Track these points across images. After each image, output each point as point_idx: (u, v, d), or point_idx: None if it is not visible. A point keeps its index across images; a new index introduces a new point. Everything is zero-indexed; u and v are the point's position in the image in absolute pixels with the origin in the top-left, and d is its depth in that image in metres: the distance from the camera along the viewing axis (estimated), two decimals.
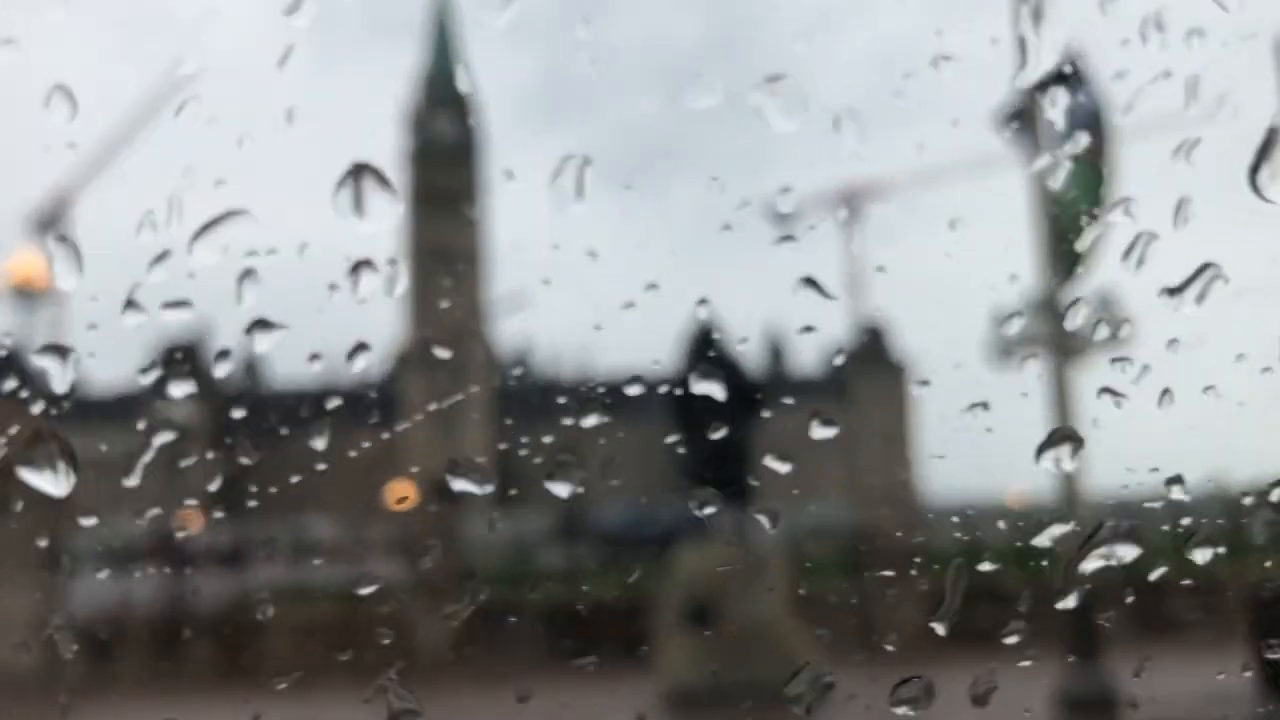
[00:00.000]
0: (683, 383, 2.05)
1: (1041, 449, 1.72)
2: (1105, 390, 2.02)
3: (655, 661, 8.61)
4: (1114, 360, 2.16)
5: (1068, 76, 2.49)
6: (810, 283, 1.99)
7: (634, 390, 2.35)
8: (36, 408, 2.15)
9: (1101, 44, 2.08)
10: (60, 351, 1.89)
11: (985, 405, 2.15)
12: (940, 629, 1.56)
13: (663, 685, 7.01)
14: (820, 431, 2.06)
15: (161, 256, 1.82)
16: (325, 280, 2.11)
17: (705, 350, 2.49)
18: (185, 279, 1.89)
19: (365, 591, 2.30)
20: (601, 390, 2.43)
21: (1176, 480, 1.92)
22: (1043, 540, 1.74)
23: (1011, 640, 1.77)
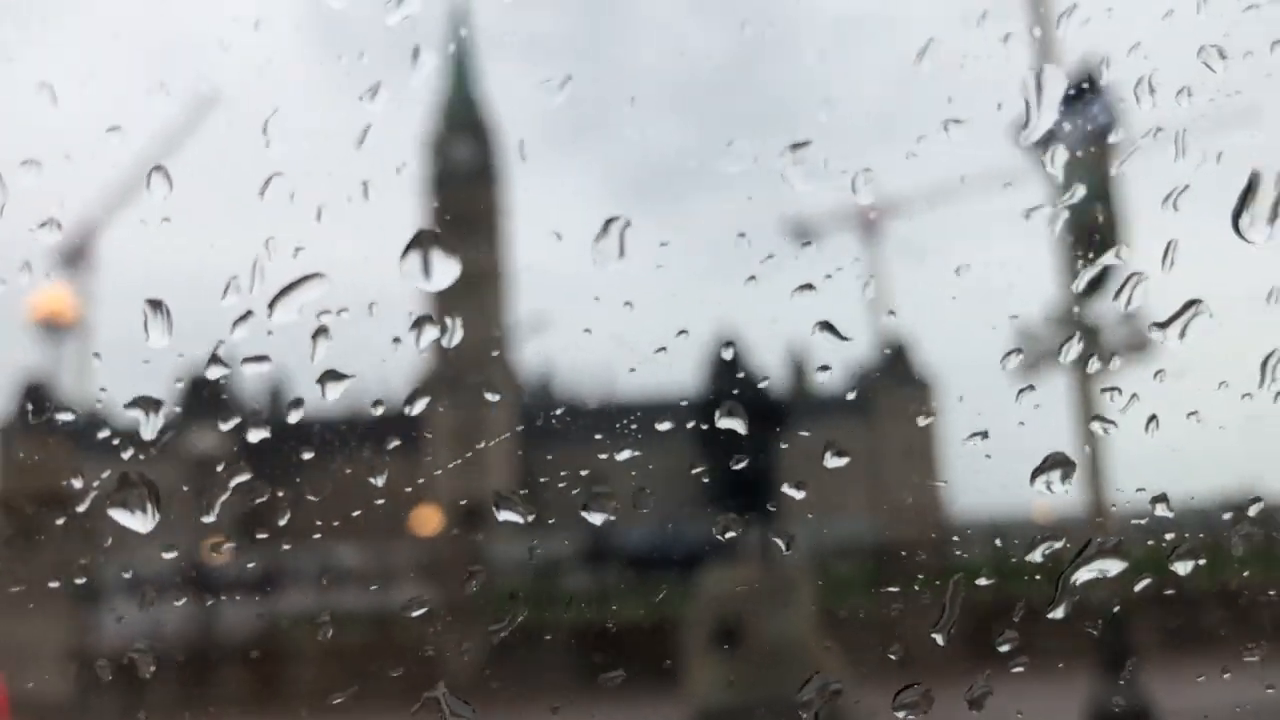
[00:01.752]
0: (708, 410, 2.11)
1: (1035, 473, 1.78)
2: (1099, 417, 2.08)
3: (683, 682, 8.61)
4: (1108, 389, 2.22)
5: (1083, 90, 2.54)
6: (827, 326, 2.09)
7: (662, 419, 2.42)
8: (64, 443, 2.23)
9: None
10: (151, 404, 2.04)
11: (986, 434, 2.21)
12: (939, 639, 1.61)
13: (691, 706, 7.01)
14: (834, 461, 2.13)
15: (244, 316, 1.98)
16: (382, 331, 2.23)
17: (729, 378, 2.55)
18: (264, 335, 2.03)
19: (400, 614, 2.38)
20: (629, 418, 2.50)
21: (1161, 499, 1.98)
22: (1034, 556, 1.80)
23: (1005, 649, 1.81)
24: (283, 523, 2.58)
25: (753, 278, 2.39)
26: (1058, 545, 1.85)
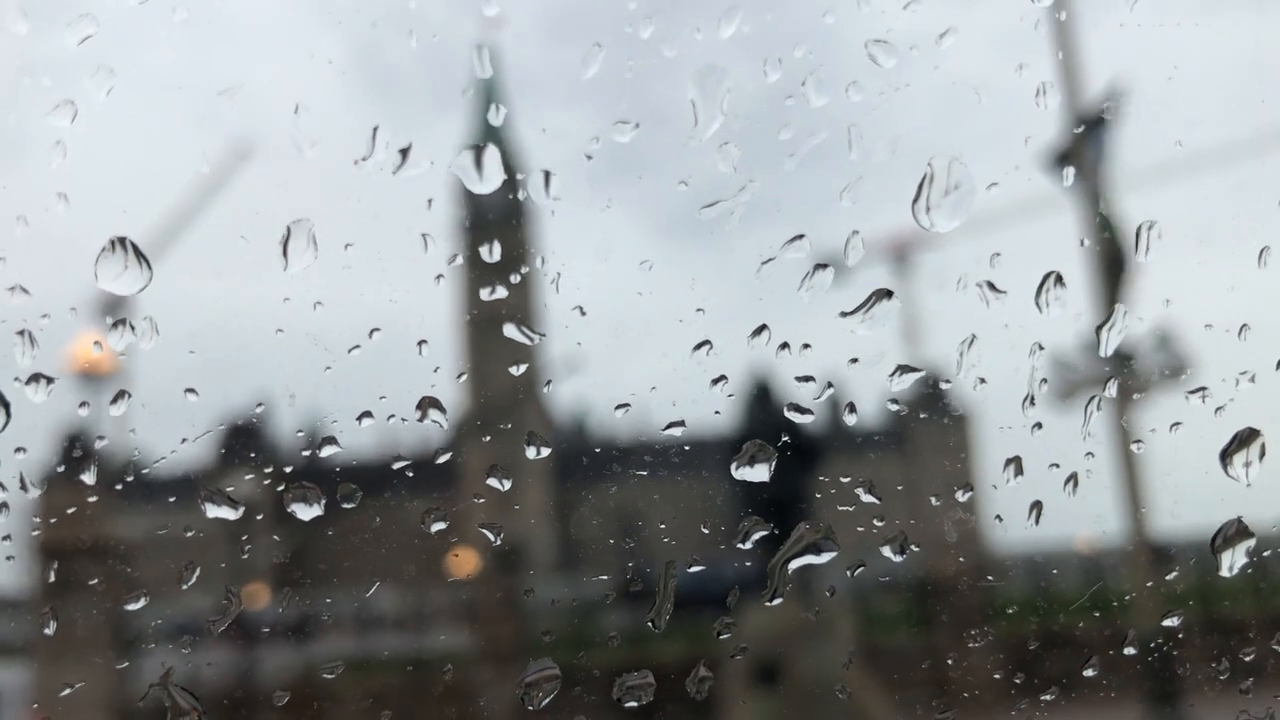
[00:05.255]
0: (743, 443, 2.09)
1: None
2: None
3: None
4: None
5: (1107, 118, 2.53)
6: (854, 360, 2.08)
7: (698, 457, 2.40)
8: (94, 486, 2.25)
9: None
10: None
11: (1021, 468, 2.18)
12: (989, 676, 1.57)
13: None
14: (867, 498, 2.10)
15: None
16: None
17: (764, 409, 2.53)
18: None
19: (434, 658, 2.36)
20: (665, 456, 2.48)
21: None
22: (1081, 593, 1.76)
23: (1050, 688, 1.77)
24: (278, 562, 2.59)
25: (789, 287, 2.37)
26: (1100, 584, 1.81)
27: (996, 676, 2.31)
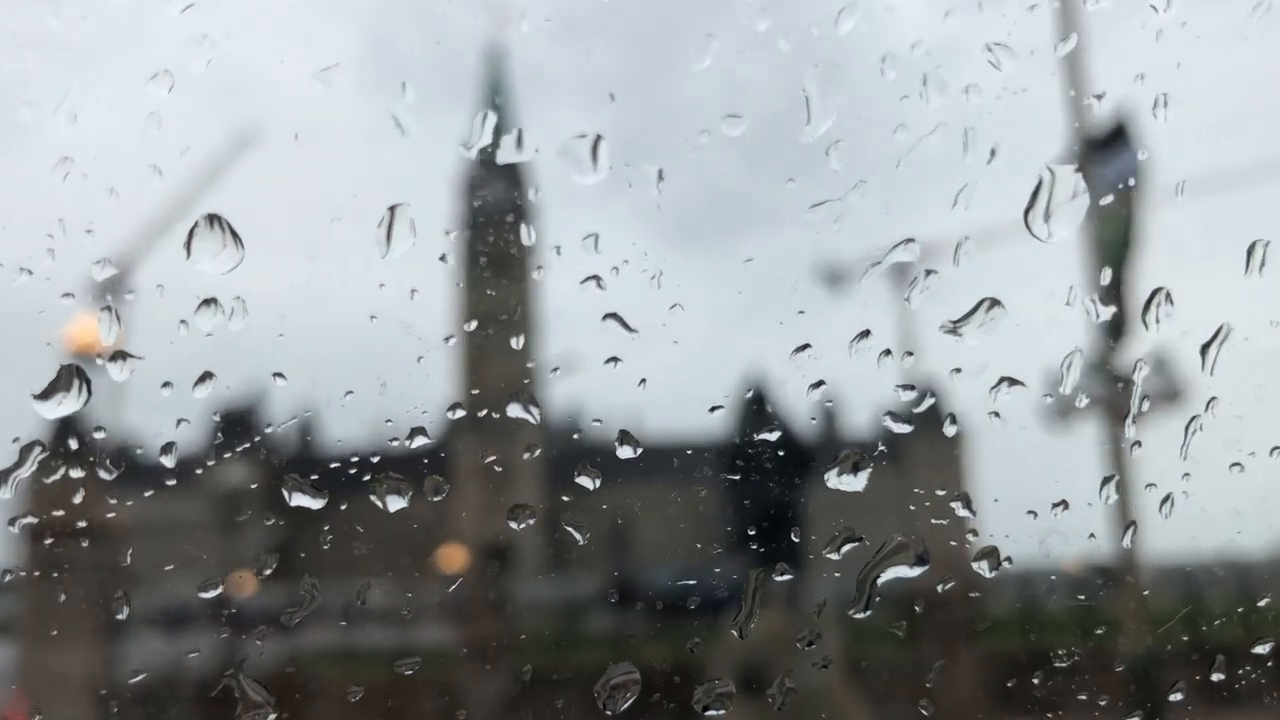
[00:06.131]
0: (736, 447, 2.07)
1: None
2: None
3: None
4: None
5: (1113, 137, 2.52)
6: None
7: (691, 462, 2.38)
8: (99, 475, 2.23)
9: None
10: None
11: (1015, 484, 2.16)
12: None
13: None
14: (851, 481, 2.07)
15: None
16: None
17: (758, 416, 2.51)
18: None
19: (417, 657, 2.34)
20: (658, 460, 2.47)
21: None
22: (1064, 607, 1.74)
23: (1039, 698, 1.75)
24: (305, 557, 2.57)
25: (781, 323, 2.36)
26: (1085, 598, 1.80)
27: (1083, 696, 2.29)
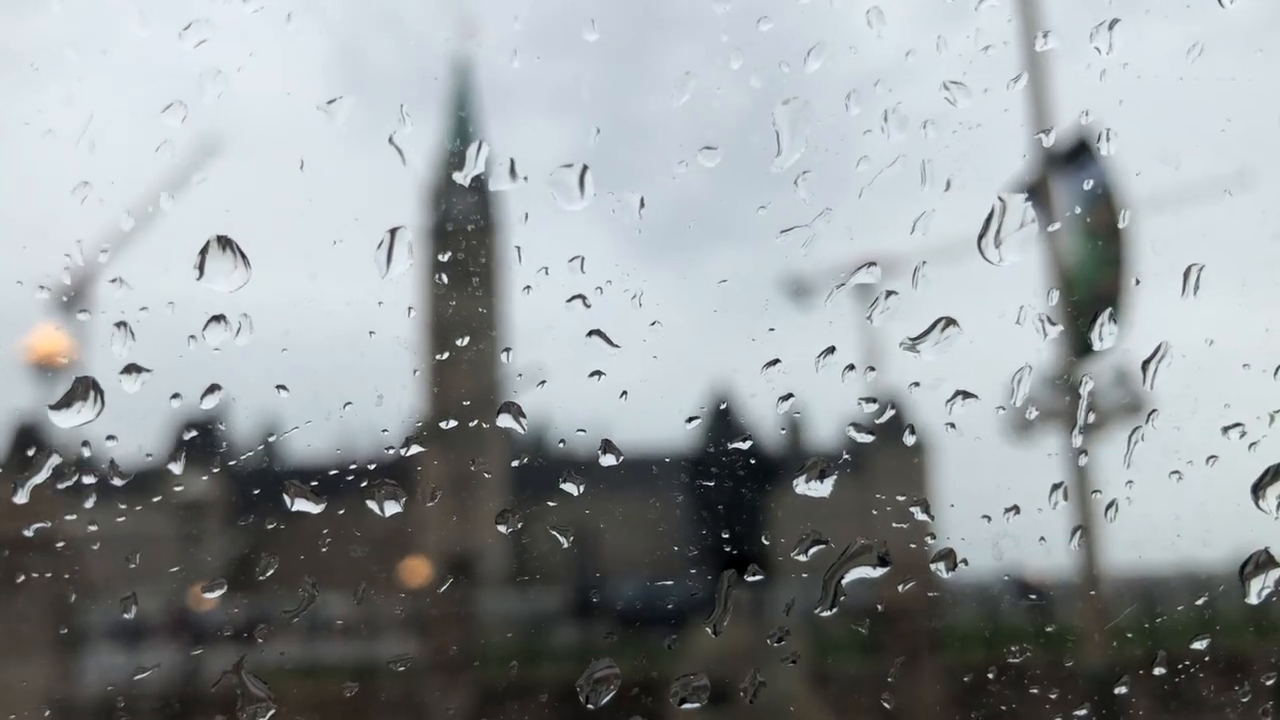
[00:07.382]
0: (700, 458, 2.13)
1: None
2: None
3: None
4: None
5: (1078, 154, 2.60)
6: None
7: (657, 473, 2.43)
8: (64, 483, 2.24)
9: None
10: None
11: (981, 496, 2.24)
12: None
13: None
14: (818, 488, 2.14)
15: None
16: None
17: (722, 427, 2.58)
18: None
19: (386, 667, 2.37)
20: (623, 471, 2.52)
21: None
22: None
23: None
24: (268, 569, 2.59)
25: (754, 339, 2.45)
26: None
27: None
